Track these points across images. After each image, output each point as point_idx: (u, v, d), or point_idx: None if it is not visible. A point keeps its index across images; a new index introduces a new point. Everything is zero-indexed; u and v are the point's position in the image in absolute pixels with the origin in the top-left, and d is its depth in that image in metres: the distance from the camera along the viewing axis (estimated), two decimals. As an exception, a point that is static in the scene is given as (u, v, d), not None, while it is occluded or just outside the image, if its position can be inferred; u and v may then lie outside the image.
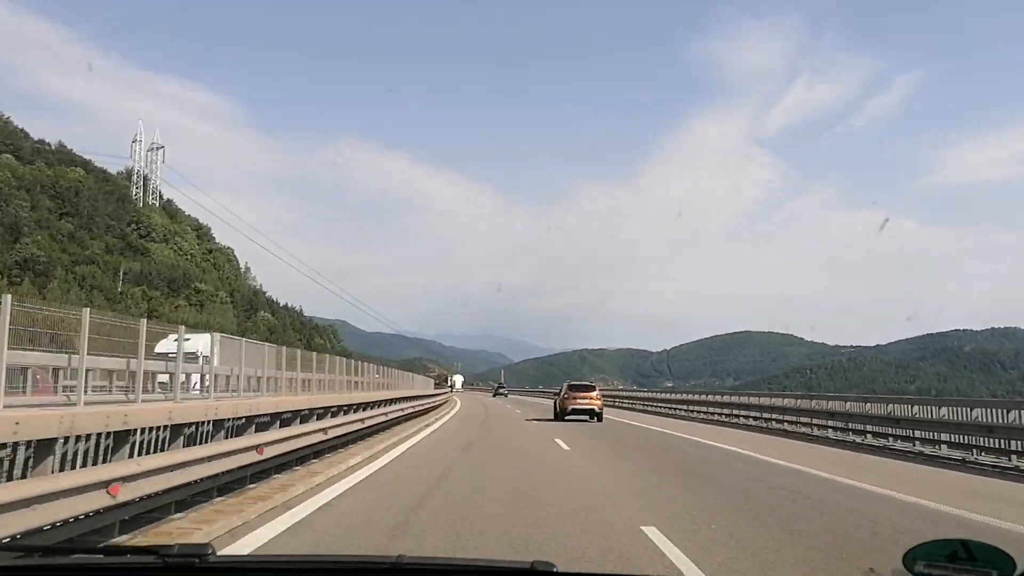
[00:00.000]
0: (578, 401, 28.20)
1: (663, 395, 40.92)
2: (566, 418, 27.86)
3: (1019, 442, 13.58)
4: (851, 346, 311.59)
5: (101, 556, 1.85)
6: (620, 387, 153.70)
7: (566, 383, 30.52)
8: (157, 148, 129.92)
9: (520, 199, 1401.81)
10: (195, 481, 7.63)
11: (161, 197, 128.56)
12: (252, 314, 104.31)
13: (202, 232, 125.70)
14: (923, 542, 1.64)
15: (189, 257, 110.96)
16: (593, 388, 29.85)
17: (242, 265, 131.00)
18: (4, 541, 2.03)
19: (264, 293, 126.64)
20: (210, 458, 7.93)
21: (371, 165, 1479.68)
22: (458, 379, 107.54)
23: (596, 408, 28.21)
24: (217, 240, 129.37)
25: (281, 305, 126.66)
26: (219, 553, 1.78)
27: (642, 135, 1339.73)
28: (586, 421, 27.50)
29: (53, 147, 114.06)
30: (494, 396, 75.48)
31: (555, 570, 1.79)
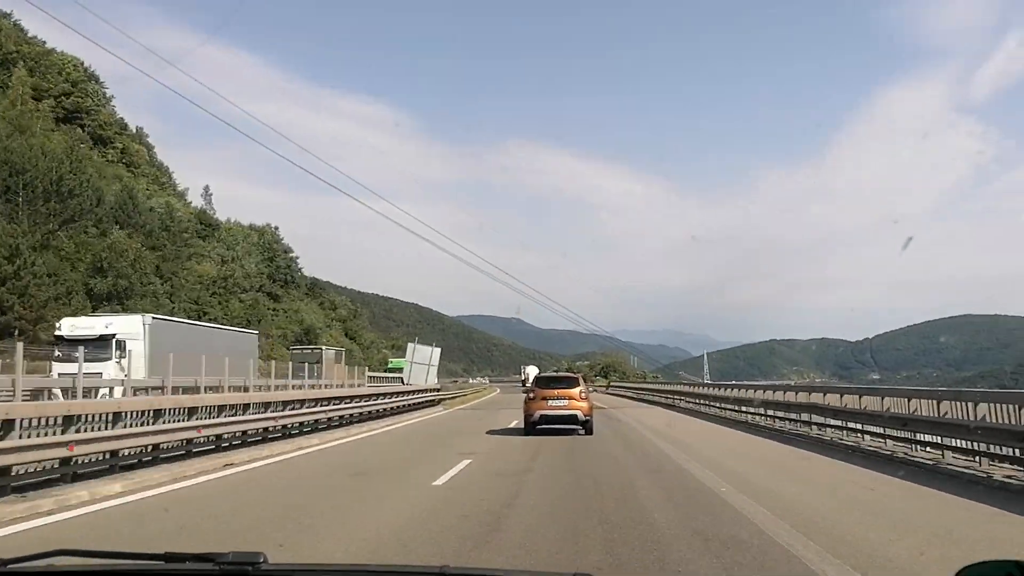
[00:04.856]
0: (550, 404, 17.77)
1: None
2: (538, 428, 17.75)
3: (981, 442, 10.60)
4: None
5: (162, 562, 2.02)
6: (817, 381, 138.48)
7: (532, 373, 16.02)
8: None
9: (694, 189, 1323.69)
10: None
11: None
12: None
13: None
14: (977, 562, 1.58)
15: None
16: (575, 382, 18.79)
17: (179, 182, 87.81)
18: (66, 548, 2.29)
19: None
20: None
21: (540, 165, 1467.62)
22: (531, 371, 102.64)
23: (581, 414, 17.77)
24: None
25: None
26: (271, 561, 1.90)
27: (827, 110, 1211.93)
28: (576, 432, 17.66)
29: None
30: (524, 392, 42.81)
31: None
